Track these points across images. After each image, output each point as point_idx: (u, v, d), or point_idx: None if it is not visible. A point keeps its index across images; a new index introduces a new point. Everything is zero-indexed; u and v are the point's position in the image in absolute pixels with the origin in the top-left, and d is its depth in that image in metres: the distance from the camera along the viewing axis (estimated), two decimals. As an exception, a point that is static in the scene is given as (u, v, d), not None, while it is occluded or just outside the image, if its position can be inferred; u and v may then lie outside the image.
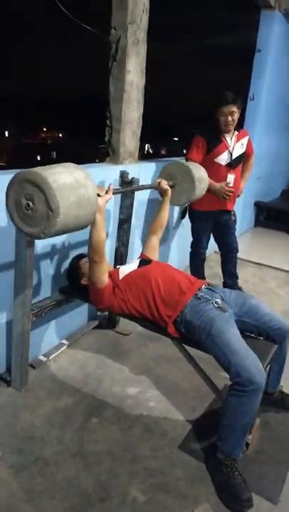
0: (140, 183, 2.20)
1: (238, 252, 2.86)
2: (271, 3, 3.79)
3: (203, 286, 1.68)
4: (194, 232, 2.79)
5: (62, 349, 2.16)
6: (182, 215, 2.87)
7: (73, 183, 1.28)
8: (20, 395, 1.82)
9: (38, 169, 1.27)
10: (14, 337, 1.79)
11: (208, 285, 1.71)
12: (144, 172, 2.51)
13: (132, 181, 2.14)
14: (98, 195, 1.47)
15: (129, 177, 2.17)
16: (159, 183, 2.04)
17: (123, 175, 2.16)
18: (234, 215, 2.74)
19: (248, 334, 1.67)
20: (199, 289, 1.66)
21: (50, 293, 2.04)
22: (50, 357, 2.09)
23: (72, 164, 1.38)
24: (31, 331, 1.84)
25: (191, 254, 2.87)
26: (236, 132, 2.53)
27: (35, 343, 2.02)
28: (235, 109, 2.38)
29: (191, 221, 2.78)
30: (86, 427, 1.68)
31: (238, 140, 2.54)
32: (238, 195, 2.76)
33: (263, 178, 4.85)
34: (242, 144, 2.57)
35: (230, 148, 2.50)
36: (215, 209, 2.62)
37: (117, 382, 1.97)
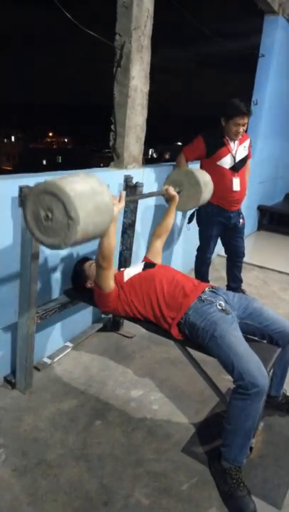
0: (144, 188, 2.22)
1: (244, 256, 2.85)
2: (275, 9, 3.82)
3: (206, 289, 1.68)
4: (202, 236, 2.77)
5: (66, 351, 2.17)
6: (189, 220, 2.84)
7: (89, 191, 1.29)
8: (24, 397, 1.83)
9: (54, 180, 1.29)
10: (19, 339, 1.80)
11: (212, 288, 1.71)
12: (148, 177, 2.53)
13: (136, 186, 2.15)
14: None
15: (134, 181, 2.18)
16: (167, 190, 2.05)
17: (127, 179, 2.18)
18: (243, 218, 2.72)
19: (252, 337, 1.67)
20: (203, 292, 1.66)
21: (54, 295, 2.05)
22: (55, 359, 2.09)
23: (82, 172, 1.38)
24: (36, 333, 1.85)
25: (197, 258, 2.86)
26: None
27: (40, 346, 2.03)
28: (247, 120, 2.39)
29: (199, 225, 2.76)
30: (89, 430, 1.68)
31: (240, 143, 2.54)
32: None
33: (266, 181, 4.85)
34: (244, 147, 2.56)
35: (234, 152, 2.50)
36: (230, 209, 2.59)
37: (120, 385, 1.97)
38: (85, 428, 1.69)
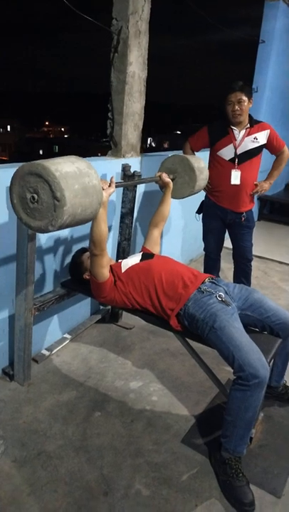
0: (142, 177, 2.18)
1: (251, 260, 2.64)
2: (275, -7, 3.73)
3: (206, 280, 1.67)
4: (203, 228, 2.68)
5: (65, 343, 2.16)
6: (198, 210, 2.70)
7: (76, 172, 1.26)
8: (23, 389, 1.82)
9: (40, 161, 1.26)
10: (17, 331, 1.79)
11: (212, 278, 1.70)
12: (146, 165, 2.49)
13: (133, 174, 2.12)
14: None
15: (131, 170, 2.15)
16: (160, 176, 2.02)
17: (125, 168, 2.14)
18: (245, 215, 2.49)
19: (252, 328, 1.66)
20: (203, 283, 1.65)
21: (52, 287, 2.03)
22: (53, 351, 2.09)
23: (72, 156, 1.36)
24: (34, 325, 1.83)
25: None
26: (248, 125, 2.36)
27: (38, 338, 2.02)
28: (243, 97, 2.23)
29: (202, 217, 2.66)
30: (89, 421, 1.68)
31: (249, 134, 2.36)
32: (256, 193, 2.52)
33: (267, 171, 4.80)
34: (255, 139, 2.37)
35: (236, 142, 2.35)
36: (225, 206, 2.47)
37: (119, 376, 1.97)
38: (84, 419, 1.69)
